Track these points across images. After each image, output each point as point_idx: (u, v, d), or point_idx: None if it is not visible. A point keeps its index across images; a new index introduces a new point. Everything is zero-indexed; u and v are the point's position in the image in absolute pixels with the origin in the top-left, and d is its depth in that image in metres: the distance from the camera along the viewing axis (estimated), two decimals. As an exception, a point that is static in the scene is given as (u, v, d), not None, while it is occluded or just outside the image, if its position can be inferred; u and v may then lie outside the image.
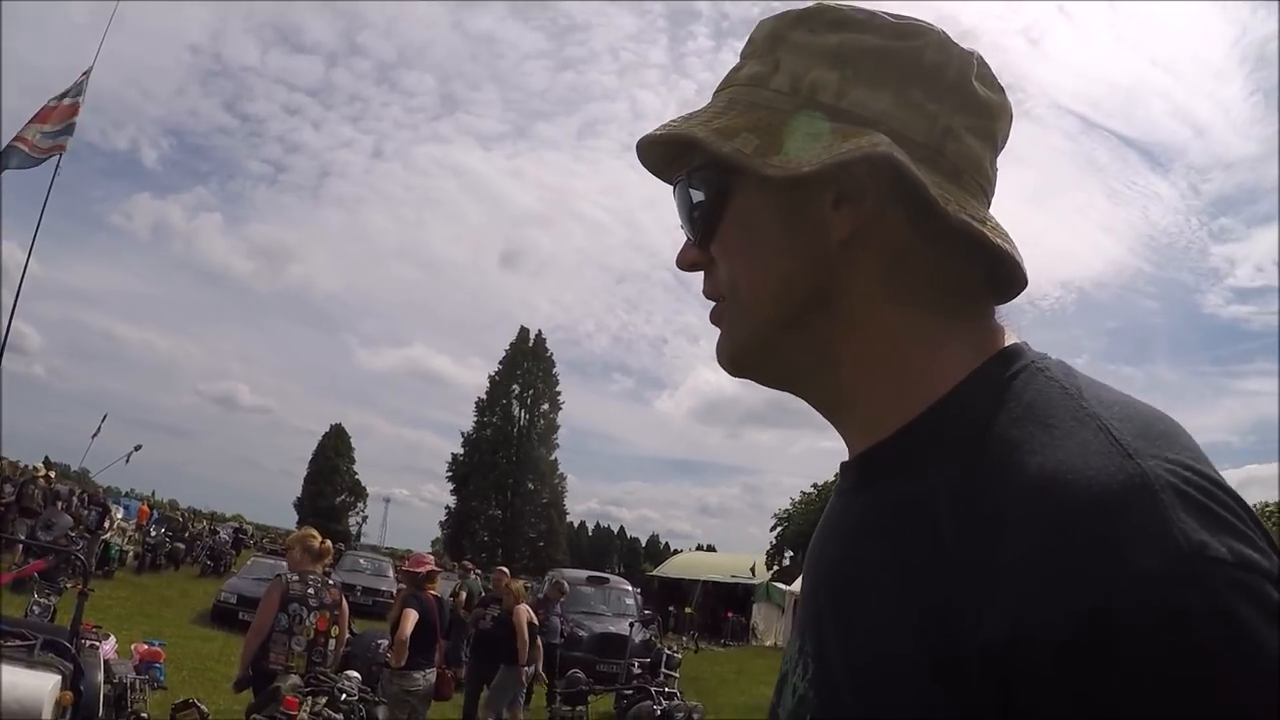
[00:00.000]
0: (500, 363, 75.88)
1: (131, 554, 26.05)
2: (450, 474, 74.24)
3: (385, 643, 9.33)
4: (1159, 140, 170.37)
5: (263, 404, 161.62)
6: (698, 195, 0.90)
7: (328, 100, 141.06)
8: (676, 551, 79.08)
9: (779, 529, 51.06)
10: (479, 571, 16.49)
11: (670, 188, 0.96)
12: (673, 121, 0.90)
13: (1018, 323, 0.88)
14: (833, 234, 0.83)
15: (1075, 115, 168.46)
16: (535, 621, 11.32)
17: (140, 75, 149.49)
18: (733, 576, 43.82)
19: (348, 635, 7.91)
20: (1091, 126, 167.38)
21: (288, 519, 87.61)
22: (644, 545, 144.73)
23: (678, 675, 14.24)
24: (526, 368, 74.87)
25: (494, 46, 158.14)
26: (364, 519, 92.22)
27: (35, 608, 9.32)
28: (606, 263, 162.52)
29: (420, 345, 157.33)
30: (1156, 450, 0.65)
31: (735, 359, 0.92)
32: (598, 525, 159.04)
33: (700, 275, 0.94)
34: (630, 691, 10.91)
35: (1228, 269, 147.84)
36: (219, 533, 37.52)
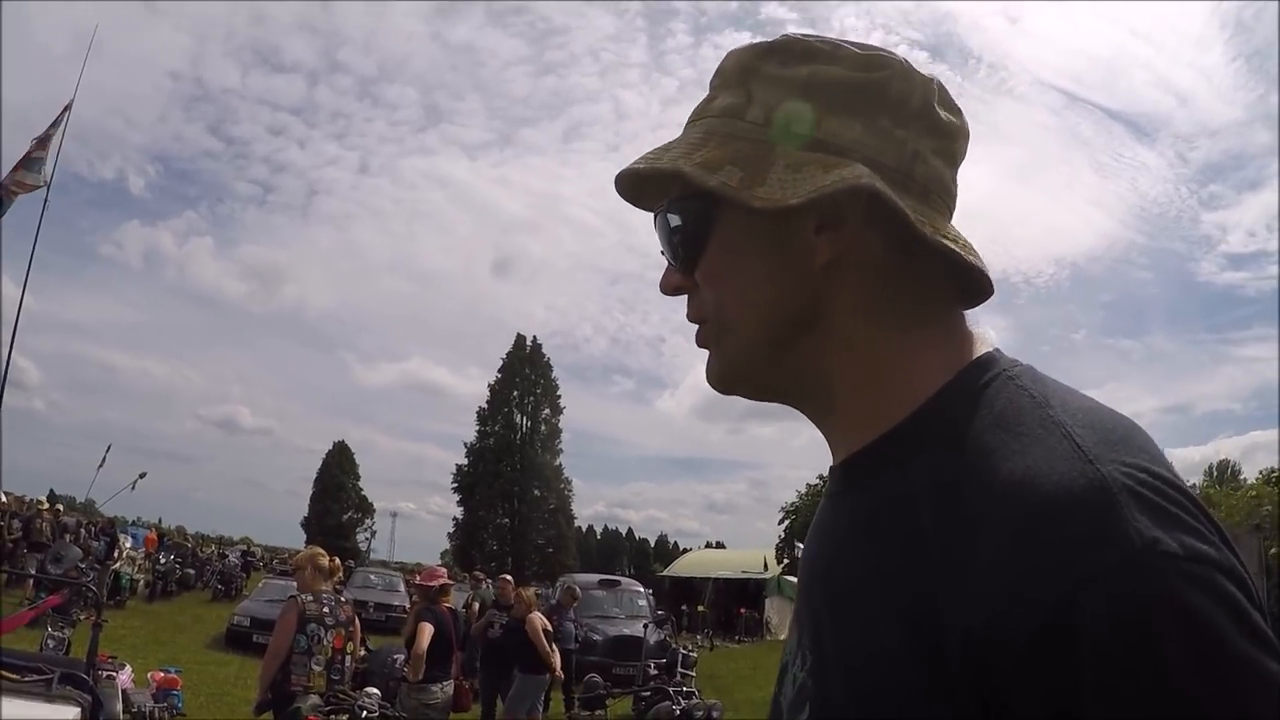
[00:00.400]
0: (499, 371, 75.65)
1: (142, 582, 26.00)
2: (455, 485, 74.00)
3: (402, 657, 9.34)
4: (1143, 111, 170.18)
5: (264, 425, 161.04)
6: (679, 223, 0.94)
7: (311, 118, 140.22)
8: (686, 550, 79.18)
9: (787, 522, 50.98)
10: (490, 581, 16.46)
11: (649, 214, 1.00)
12: (652, 154, 0.94)
13: (986, 333, 0.94)
14: (816, 258, 0.89)
15: (1058, 90, 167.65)
16: (549, 628, 11.32)
17: (122, 104, 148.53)
18: (743, 572, 43.84)
19: (362, 652, 7.93)
20: (1075, 101, 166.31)
21: (296, 539, 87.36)
22: (653, 546, 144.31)
23: (694, 674, 14.24)
24: (526, 374, 74.62)
25: (474, 55, 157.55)
26: (372, 535, 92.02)
27: (50, 641, 9.36)
28: (599, 265, 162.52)
29: (418, 358, 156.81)
30: (1115, 455, 0.72)
31: (724, 379, 0.97)
32: (605, 528, 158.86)
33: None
34: (648, 693, 10.90)
35: (1220, 236, 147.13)
36: (228, 556, 37.52)
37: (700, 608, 40.94)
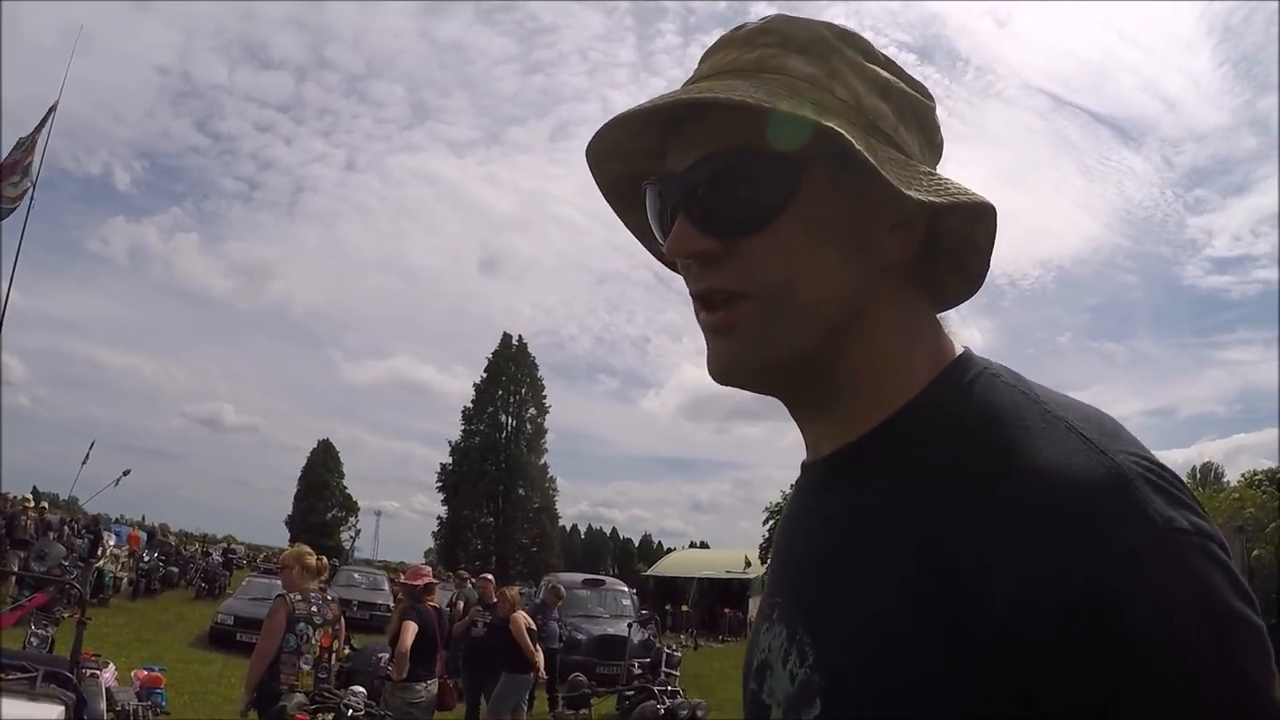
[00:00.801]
0: (485, 370, 75.51)
1: (126, 580, 25.90)
2: (440, 484, 73.74)
3: (386, 656, 9.34)
4: (1130, 115, 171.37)
5: (249, 423, 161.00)
6: (752, 178, 0.86)
7: (298, 115, 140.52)
8: (670, 550, 79.17)
9: (771, 522, 51.01)
10: (474, 580, 16.45)
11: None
12: (756, 94, 0.82)
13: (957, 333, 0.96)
14: (884, 255, 0.88)
15: (1046, 94, 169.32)
16: (533, 627, 11.33)
17: (110, 99, 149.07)
18: (727, 572, 43.90)
19: (347, 650, 7.92)
20: (1062, 104, 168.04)
21: (279, 538, 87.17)
22: (637, 545, 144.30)
23: (678, 673, 14.24)
24: (511, 373, 74.40)
25: (462, 53, 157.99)
26: (356, 533, 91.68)
27: (33, 639, 9.29)
28: (586, 264, 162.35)
29: (404, 356, 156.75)
30: (1118, 445, 0.76)
31: (753, 364, 0.90)
32: (590, 527, 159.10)
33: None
34: (632, 692, 10.94)
35: (1205, 240, 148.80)
36: (211, 554, 37.41)
37: (684, 607, 41.00)
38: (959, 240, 0.92)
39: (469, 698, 11.76)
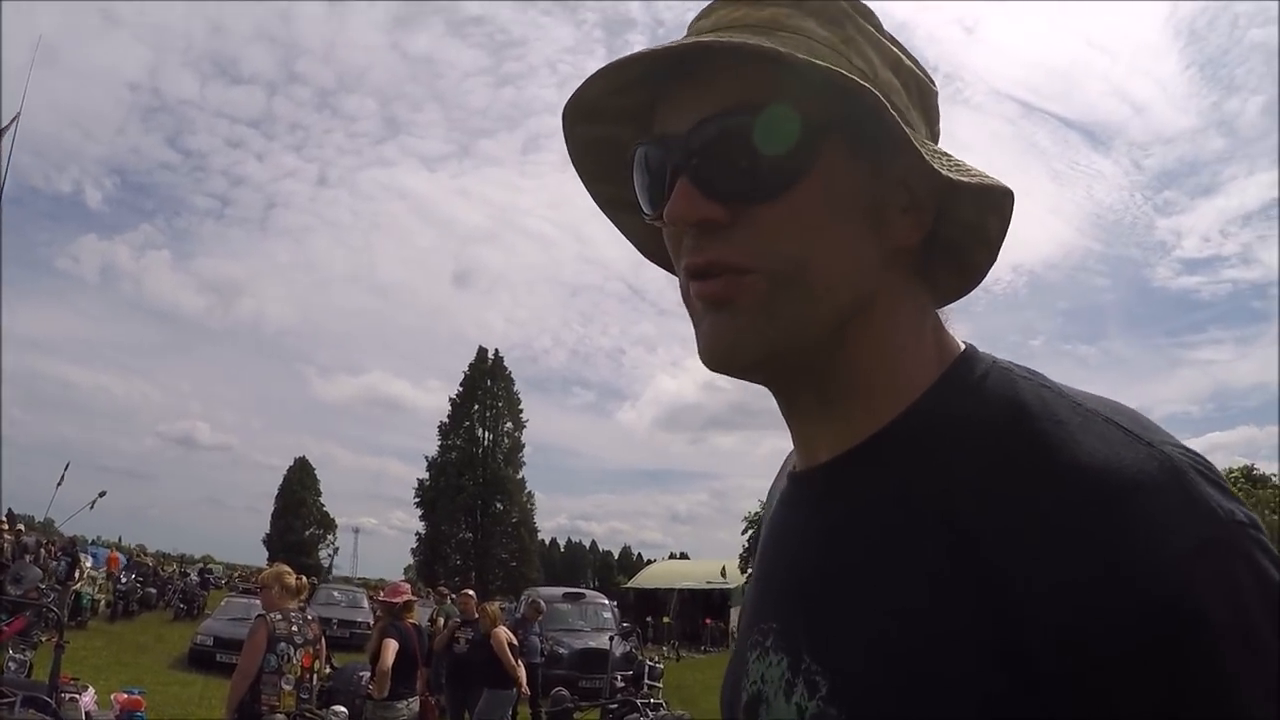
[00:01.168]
0: (460, 384, 75.34)
1: (103, 602, 25.72)
2: (418, 500, 73.39)
3: (367, 674, 9.31)
4: (1099, 119, 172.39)
5: (223, 442, 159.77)
6: (772, 139, 0.76)
7: (269, 130, 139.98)
8: (650, 561, 78.88)
9: (750, 531, 51.09)
10: (454, 596, 16.42)
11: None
12: (785, 46, 0.74)
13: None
14: (897, 238, 0.81)
15: (1014, 100, 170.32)
16: (515, 642, 11.32)
17: (80, 116, 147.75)
18: (708, 583, 43.91)
19: (327, 669, 7.90)
20: (1031, 110, 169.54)
21: (257, 556, 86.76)
22: (617, 557, 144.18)
23: (661, 685, 14.26)
24: (488, 387, 74.19)
25: (433, 66, 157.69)
26: (335, 551, 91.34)
27: (11, 663, 9.24)
28: (558, 277, 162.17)
29: (378, 371, 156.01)
30: (1160, 437, 0.70)
31: (758, 347, 0.79)
32: (569, 540, 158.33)
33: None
34: (615, 705, 10.94)
35: (1175, 241, 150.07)
36: (189, 575, 37.18)
37: (665, 619, 40.90)
38: (965, 230, 0.85)
39: (453, 714, 11.73)
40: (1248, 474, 42.50)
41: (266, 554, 78.65)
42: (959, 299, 0.91)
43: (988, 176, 0.81)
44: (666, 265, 0.94)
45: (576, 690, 14.44)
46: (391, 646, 8.24)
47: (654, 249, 0.96)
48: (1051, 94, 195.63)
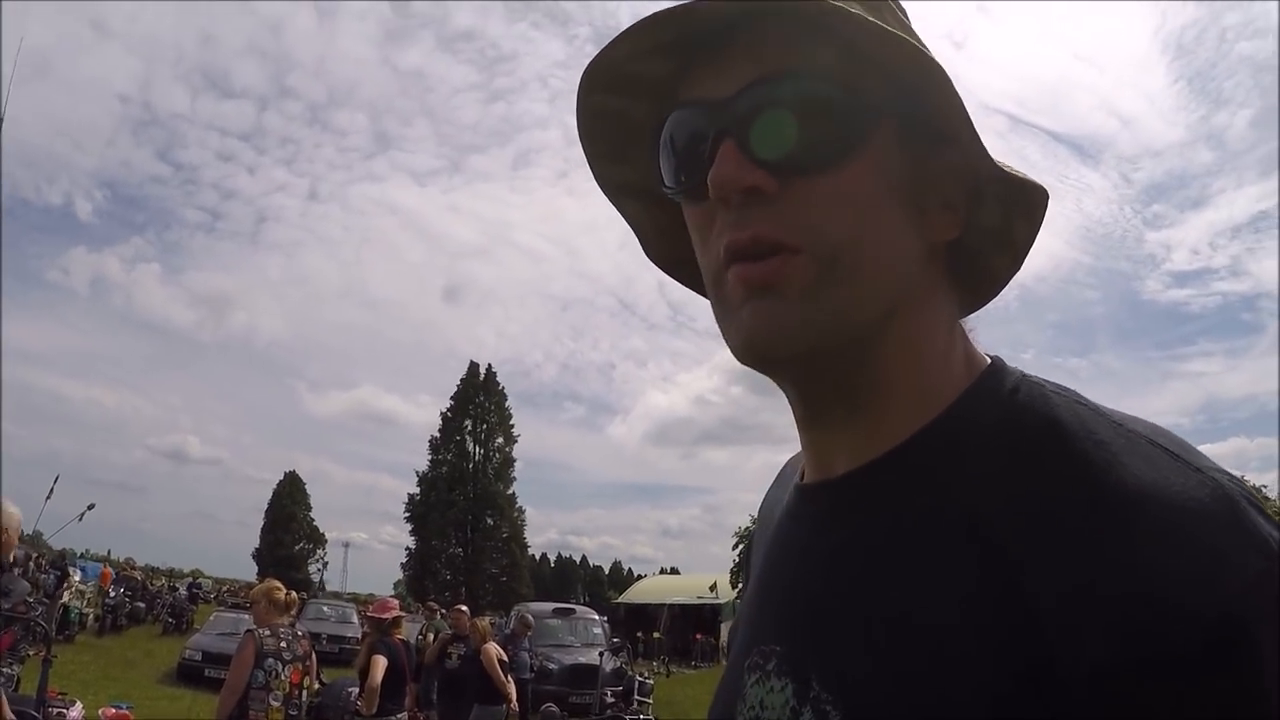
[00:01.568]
0: (451, 399, 75.19)
1: (92, 616, 25.64)
2: (408, 514, 73.16)
3: (356, 691, 9.29)
4: (1087, 133, 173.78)
5: (214, 455, 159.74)
6: (829, 107, 0.71)
7: (260, 144, 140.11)
8: (640, 577, 79.02)
9: (741, 546, 51.04)
10: (444, 612, 16.37)
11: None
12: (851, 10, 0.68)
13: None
14: (936, 233, 0.77)
15: (1003, 114, 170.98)
16: (505, 658, 11.30)
17: (70, 128, 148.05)
18: (698, 598, 43.90)
19: (317, 685, 7.88)
20: (1020, 124, 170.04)
21: (247, 571, 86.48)
22: (607, 573, 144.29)
23: (651, 701, 14.27)
24: (479, 402, 74.10)
25: (424, 81, 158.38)
26: (324, 565, 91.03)
27: (-2, 679, 9.21)
28: (549, 292, 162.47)
29: (369, 386, 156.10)
30: (1206, 462, 0.66)
31: (805, 337, 0.72)
32: (559, 555, 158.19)
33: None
34: (605, 721, 10.93)
35: (1164, 254, 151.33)
36: (178, 589, 37.07)
37: (656, 634, 40.88)
38: (986, 235, 0.81)
39: (442, 730, 11.69)
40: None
41: (256, 569, 78.40)
42: (978, 309, 0.86)
43: (1024, 174, 0.77)
44: (669, 264, 0.92)
45: (567, 706, 14.38)
46: (380, 663, 8.22)
47: (658, 242, 0.92)
48: (1040, 107, 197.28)
